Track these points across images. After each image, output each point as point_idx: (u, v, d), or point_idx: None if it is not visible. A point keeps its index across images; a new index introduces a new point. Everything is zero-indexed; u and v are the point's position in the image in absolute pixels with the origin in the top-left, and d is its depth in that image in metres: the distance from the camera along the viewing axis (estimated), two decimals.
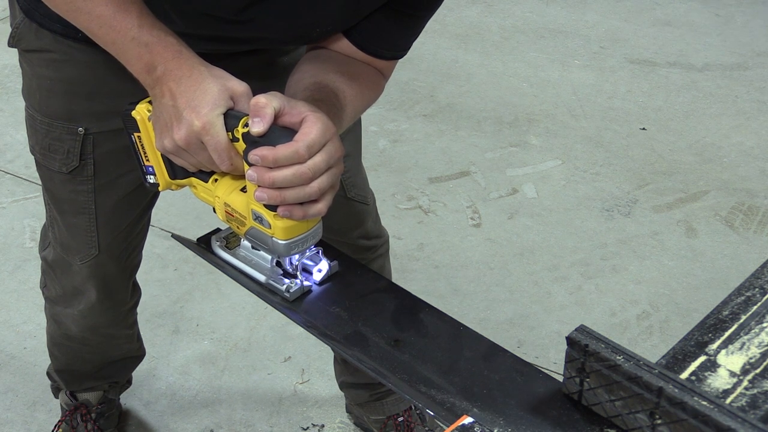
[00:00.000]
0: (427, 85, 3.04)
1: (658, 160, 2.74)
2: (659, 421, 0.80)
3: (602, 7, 3.67)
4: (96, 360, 1.70)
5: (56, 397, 1.84)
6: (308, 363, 2.00)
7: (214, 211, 1.08)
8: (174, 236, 1.25)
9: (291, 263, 1.05)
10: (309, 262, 1.05)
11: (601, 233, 2.43)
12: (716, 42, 3.43)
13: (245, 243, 1.07)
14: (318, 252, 1.06)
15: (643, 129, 2.90)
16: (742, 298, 0.98)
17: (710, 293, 2.21)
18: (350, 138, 1.40)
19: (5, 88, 3.04)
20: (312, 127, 0.94)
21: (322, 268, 1.06)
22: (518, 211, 2.49)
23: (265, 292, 1.06)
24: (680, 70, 3.24)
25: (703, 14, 3.63)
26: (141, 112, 1.05)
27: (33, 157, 1.36)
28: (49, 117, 1.30)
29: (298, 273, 1.05)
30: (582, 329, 0.85)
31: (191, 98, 0.96)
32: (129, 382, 1.86)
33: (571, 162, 2.72)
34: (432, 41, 3.30)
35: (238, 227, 1.05)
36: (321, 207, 0.98)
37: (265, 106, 0.93)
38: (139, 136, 1.07)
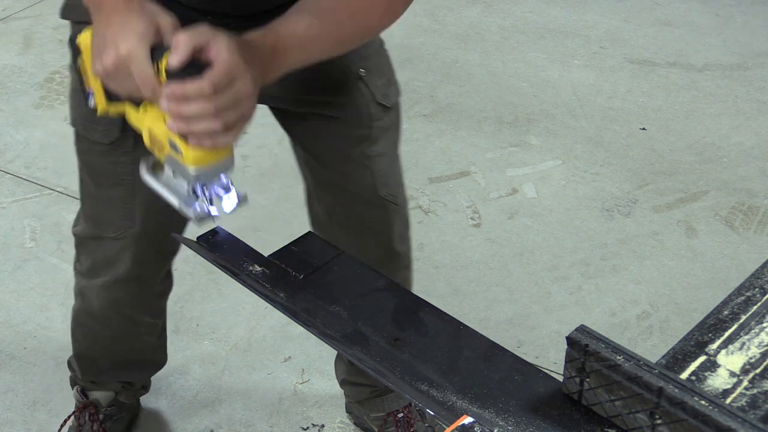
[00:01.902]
0: (427, 85, 3.04)
1: (658, 160, 2.74)
2: (659, 421, 0.80)
3: (602, 7, 3.67)
4: (115, 349, 1.69)
5: (72, 387, 1.83)
6: (308, 363, 2.00)
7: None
8: (174, 235, 1.25)
9: (202, 190, 1.12)
10: (220, 191, 1.14)
11: (601, 233, 2.43)
12: (716, 42, 3.43)
13: (167, 170, 1.14)
14: (229, 183, 1.15)
15: (643, 129, 2.90)
16: (742, 298, 0.98)
17: (710, 293, 2.21)
18: (387, 138, 1.45)
19: (5, 88, 3.04)
20: (220, 65, 1.00)
21: (231, 198, 1.15)
22: (518, 211, 2.49)
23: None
24: (680, 70, 3.24)
25: (703, 14, 3.63)
26: (84, 39, 1.13)
27: (74, 128, 1.40)
28: None
29: (206, 200, 1.13)
30: (582, 329, 0.85)
31: (121, 29, 1.04)
32: (145, 388, 1.86)
33: (571, 162, 2.72)
34: (432, 41, 3.30)
35: (158, 153, 1.12)
36: (228, 138, 1.07)
37: (185, 41, 0.99)
38: (82, 61, 1.16)
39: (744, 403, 0.85)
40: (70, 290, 2.20)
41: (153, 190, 1.15)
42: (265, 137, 2.77)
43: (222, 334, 2.08)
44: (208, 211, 1.12)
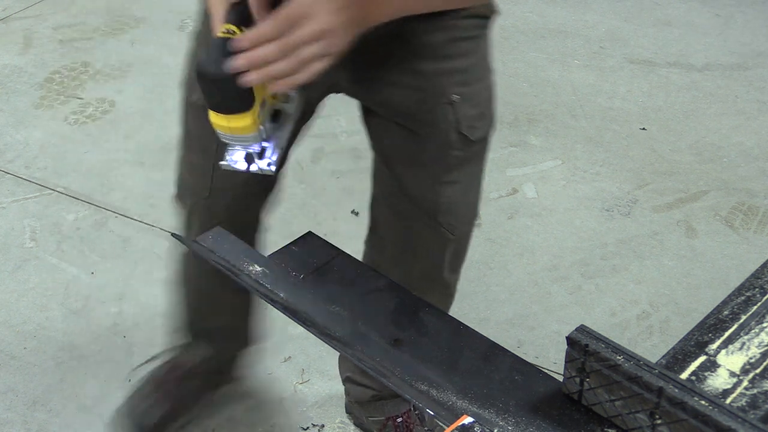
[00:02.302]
0: None
1: (658, 160, 2.74)
2: (659, 421, 0.80)
3: (602, 7, 3.67)
4: (196, 315, 1.72)
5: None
6: (308, 363, 2.00)
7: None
8: (174, 235, 1.25)
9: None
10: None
11: (601, 233, 2.43)
12: (716, 42, 3.43)
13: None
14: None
15: (643, 129, 2.90)
16: (742, 298, 0.98)
17: (710, 293, 2.21)
18: (464, 169, 1.39)
19: (5, 88, 3.04)
20: (287, 4, 1.00)
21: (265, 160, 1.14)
22: (518, 211, 2.49)
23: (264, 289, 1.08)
24: (680, 70, 3.24)
25: (703, 14, 3.63)
26: None
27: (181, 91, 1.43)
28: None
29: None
30: (582, 329, 0.85)
31: None
32: (223, 374, 1.84)
33: (571, 162, 2.72)
34: None
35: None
36: (302, 76, 1.04)
37: None
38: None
39: (744, 403, 0.85)
40: (70, 290, 2.20)
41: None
42: None
43: None
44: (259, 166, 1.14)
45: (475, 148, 1.38)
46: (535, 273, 2.29)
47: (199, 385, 1.82)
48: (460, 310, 2.14)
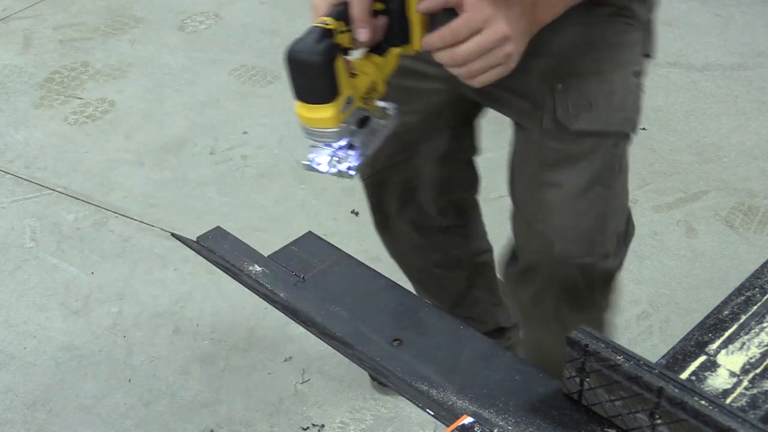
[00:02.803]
0: None
1: (658, 160, 2.74)
2: (659, 421, 0.80)
3: None
4: (424, 291, 1.72)
5: None
6: (308, 363, 2.00)
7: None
8: (174, 235, 1.25)
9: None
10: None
11: None
12: (716, 42, 3.43)
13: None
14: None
15: (643, 129, 2.90)
16: (742, 298, 0.98)
17: (710, 293, 2.21)
18: (571, 170, 1.24)
19: (5, 88, 3.04)
20: (465, 10, 1.01)
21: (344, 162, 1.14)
22: None
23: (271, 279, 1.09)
24: (680, 70, 3.24)
25: (703, 14, 3.63)
26: None
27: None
28: None
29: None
30: (582, 329, 0.85)
31: None
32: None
33: None
34: None
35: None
36: (476, 80, 1.05)
37: None
38: None
39: (744, 403, 0.85)
40: (70, 290, 2.21)
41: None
42: (265, 137, 2.77)
43: (222, 334, 2.08)
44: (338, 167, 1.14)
45: (583, 144, 1.23)
46: None
47: None
48: None
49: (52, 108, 2.92)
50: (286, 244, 1.17)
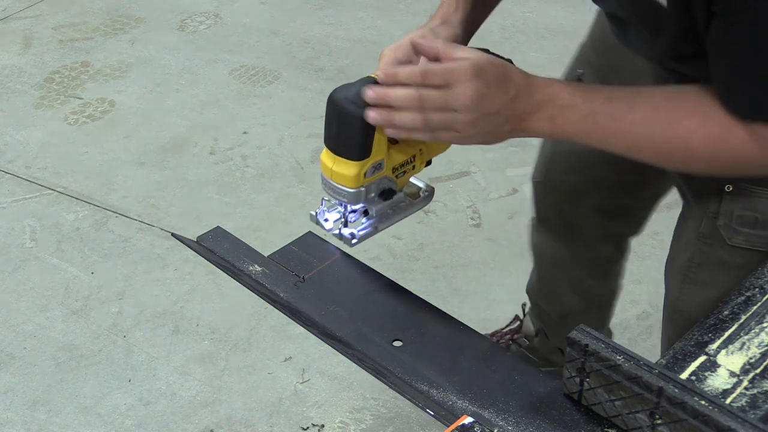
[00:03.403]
0: None
1: None
2: (659, 421, 0.80)
3: None
4: (540, 289, 1.73)
5: None
6: (308, 363, 2.00)
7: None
8: (174, 235, 1.25)
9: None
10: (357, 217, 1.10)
11: None
12: None
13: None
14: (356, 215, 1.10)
15: None
16: (742, 298, 0.98)
17: None
18: (713, 275, 1.19)
19: (5, 88, 3.04)
20: (444, 62, 0.95)
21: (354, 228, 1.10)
22: (518, 211, 2.49)
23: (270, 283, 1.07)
24: None
25: None
26: None
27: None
28: None
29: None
30: (582, 329, 0.85)
31: None
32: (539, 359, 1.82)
33: None
34: None
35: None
36: (422, 136, 0.99)
37: (426, 41, 0.99)
38: None
39: (744, 403, 0.85)
40: (70, 290, 2.20)
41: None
42: (265, 137, 2.77)
43: (222, 334, 2.08)
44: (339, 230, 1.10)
45: (735, 256, 1.15)
46: None
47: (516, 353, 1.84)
48: (460, 310, 2.14)
49: (52, 108, 2.92)
50: (286, 244, 1.17)
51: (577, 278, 1.61)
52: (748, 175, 1.05)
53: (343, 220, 1.09)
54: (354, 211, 1.07)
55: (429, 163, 1.11)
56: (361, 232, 1.09)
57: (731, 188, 1.10)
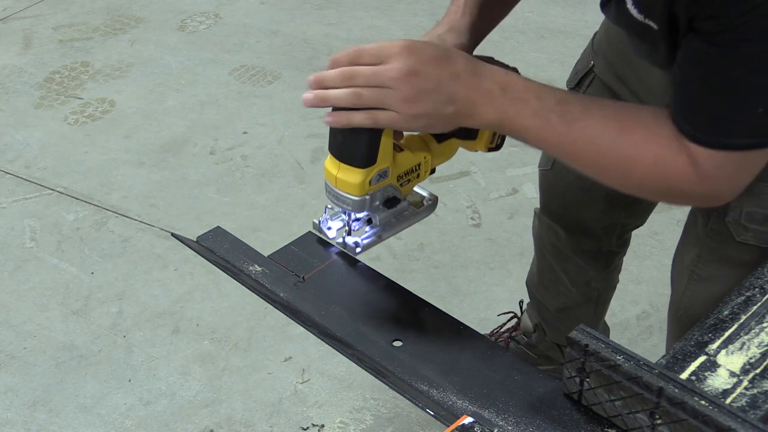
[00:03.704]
0: None
1: None
2: (659, 421, 0.80)
3: None
4: (537, 288, 1.73)
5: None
6: (308, 363, 2.01)
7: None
8: (174, 235, 1.25)
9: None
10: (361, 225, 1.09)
11: None
12: None
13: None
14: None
15: None
16: (742, 298, 0.98)
17: None
18: (721, 270, 1.19)
19: (5, 88, 3.04)
20: (379, 42, 0.95)
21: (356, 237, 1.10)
22: (518, 211, 2.49)
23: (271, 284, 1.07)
24: None
25: None
26: None
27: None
28: None
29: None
30: (582, 329, 0.85)
31: None
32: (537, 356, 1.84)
33: None
34: None
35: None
36: (356, 116, 0.96)
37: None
38: None
39: (744, 403, 0.85)
40: (70, 290, 2.21)
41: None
42: (265, 137, 2.77)
43: (222, 334, 2.08)
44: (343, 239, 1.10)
45: (743, 253, 1.15)
46: None
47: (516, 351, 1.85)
48: (460, 310, 2.14)
49: (52, 108, 2.92)
50: (286, 244, 1.17)
51: (578, 270, 1.62)
52: (676, 205, 1.06)
53: (346, 228, 1.09)
54: (358, 220, 1.07)
55: (433, 171, 1.11)
56: (365, 241, 1.08)
57: None
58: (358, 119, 0.96)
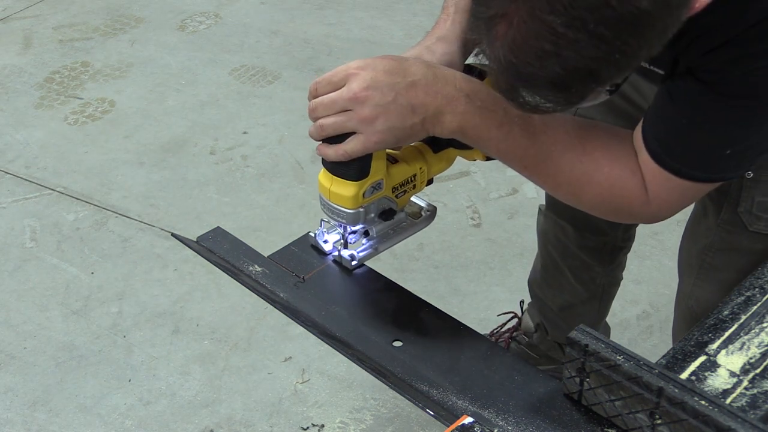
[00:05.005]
0: None
1: None
2: (659, 421, 0.80)
3: None
4: (541, 285, 1.73)
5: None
6: (308, 363, 2.00)
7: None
8: (174, 235, 1.25)
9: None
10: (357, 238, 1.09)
11: None
12: None
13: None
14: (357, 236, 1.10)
15: None
16: (742, 298, 0.98)
17: None
18: (731, 260, 1.20)
19: (5, 88, 3.03)
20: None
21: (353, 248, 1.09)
22: (518, 211, 2.49)
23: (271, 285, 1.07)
24: None
25: None
26: None
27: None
28: None
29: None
30: (582, 329, 0.85)
31: None
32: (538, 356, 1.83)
33: None
34: None
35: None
36: (326, 151, 0.98)
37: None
38: None
39: (744, 403, 0.85)
40: (70, 290, 2.20)
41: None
42: (265, 137, 2.77)
43: (222, 334, 2.08)
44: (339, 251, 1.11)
45: (755, 242, 1.15)
46: None
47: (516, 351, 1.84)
48: (460, 310, 2.14)
49: (52, 108, 2.92)
50: (286, 244, 1.17)
51: (583, 266, 1.62)
52: (617, 221, 1.16)
53: (342, 241, 1.08)
54: (354, 233, 1.07)
55: (431, 182, 1.11)
56: (361, 254, 1.08)
57: (752, 174, 1.10)
58: (332, 154, 0.97)
